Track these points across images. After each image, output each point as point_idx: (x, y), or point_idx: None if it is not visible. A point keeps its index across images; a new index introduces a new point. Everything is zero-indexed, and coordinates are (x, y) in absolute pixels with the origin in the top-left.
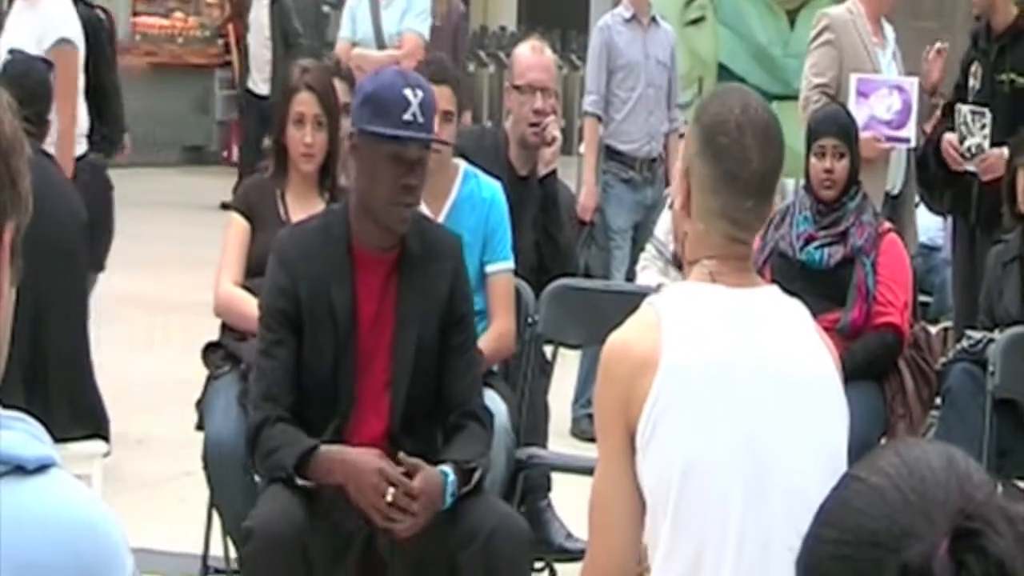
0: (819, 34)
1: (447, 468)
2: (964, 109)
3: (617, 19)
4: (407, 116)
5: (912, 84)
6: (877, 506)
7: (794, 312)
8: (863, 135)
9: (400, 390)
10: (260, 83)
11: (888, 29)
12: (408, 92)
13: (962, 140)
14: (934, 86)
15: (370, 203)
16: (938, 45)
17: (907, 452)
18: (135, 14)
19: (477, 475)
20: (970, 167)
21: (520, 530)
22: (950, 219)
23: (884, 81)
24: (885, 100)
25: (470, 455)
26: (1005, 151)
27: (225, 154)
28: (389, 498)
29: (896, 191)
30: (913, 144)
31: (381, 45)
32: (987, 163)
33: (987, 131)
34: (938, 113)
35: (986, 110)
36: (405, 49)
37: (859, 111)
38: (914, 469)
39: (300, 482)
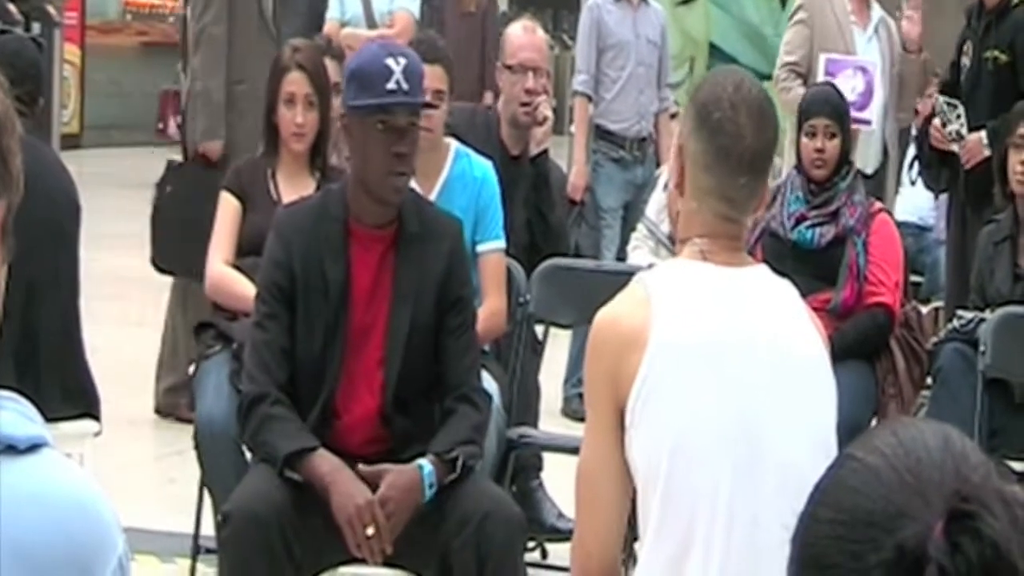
0: (795, 12)
1: (424, 461)
2: (940, 99)
3: None
4: (391, 85)
5: (874, 66)
6: (872, 486)
7: (783, 292)
8: None
9: (392, 367)
10: None
11: (876, 8)
12: (390, 61)
13: (944, 125)
14: (914, 45)
15: (364, 176)
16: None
17: (904, 432)
18: None
19: (460, 463)
20: (955, 148)
21: (513, 514)
22: (943, 198)
23: (850, 61)
24: (850, 81)
25: (451, 444)
26: (983, 135)
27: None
28: (370, 532)
29: (870, 171)
30: (874, 127)
31: (372, 24)
32: (966, 149)
33: (963, 119)
34: (934, 91)
35: (957, 101)
36: (396, 28)
37: None
38: (910, 449)
39: (288, 474)
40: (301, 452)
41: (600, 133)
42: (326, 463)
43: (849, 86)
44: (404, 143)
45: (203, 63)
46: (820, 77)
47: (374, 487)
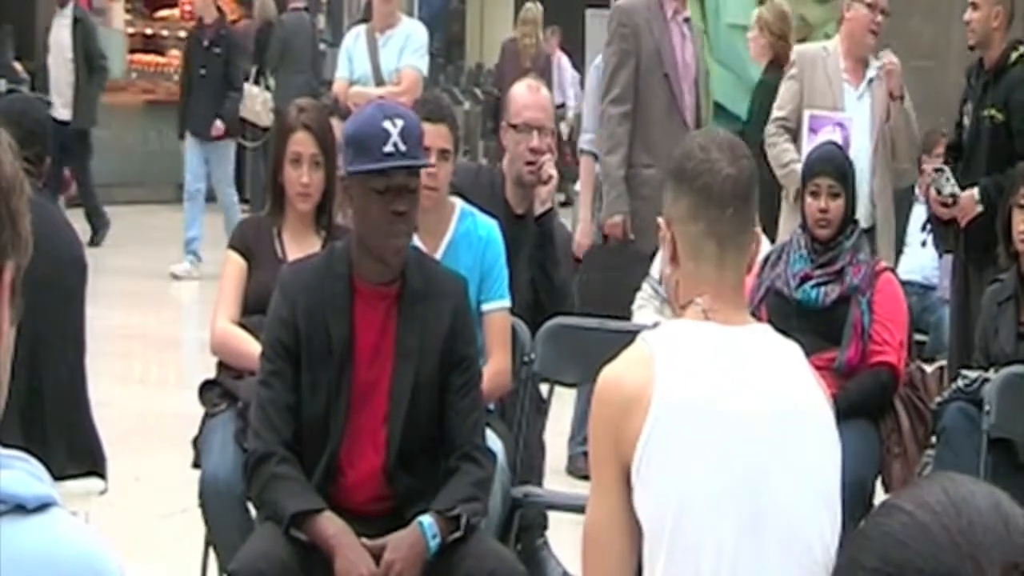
0: (789, 67)
1: (423, 517)
2: (927, 169)
3: None
4: (388, 148)
5: (850, 121)
6: (921, 542)
7: (786, 350)
8: None
9: (396, 425)
10: (60, 108)
11: (872, 67)
12: (387, 124)
13: (939, 193)
14: (893, 92)
15: (366, 238)
16: (885, 59)
17: (954, 490)
18: (131, 51)
19: (463, 520)
20: (955, 212)
21: (517, 573)
22: (947, 257)
23: (830, 117)
24: (830, 136)
25: (452, 502)
26: (975, 192)
27: None
28: None
29: (866, 225)
30: None
31: (380, 83)
32: (960, 208)
33: (952, 180)
34: (936, 153)
35: (944, 167)
36: (403, 85)
37: (809, 147)
38: (962, 510)
39: (294, 533)
40: (308, 512)
41: None
42: (332, 526)
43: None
44: (403, 202)
45: (603, 140)
46: (804, 133)
47: (378, 559)
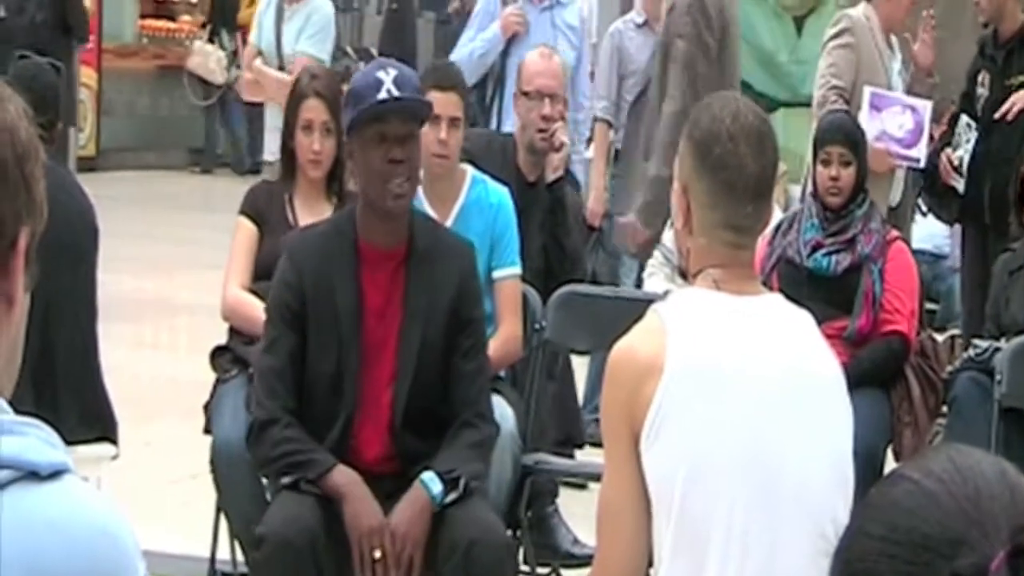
0: (839, 34)
1: (424, 474)
2: (964, 119)
3: (628, 25)
4: (381, 95)
5: (926, 107)
6: (929, 510)
7: (798, 319)
8: (876, 146)
9: (403, 385)
10: None
11: (895, 41)
12: (380, 73)
13: (955, 148)
14: (928, 69)
15: (367, 191)
16: (925, 15)
17: (960, 459)
18: (142, 16)
19: (462, 483)
20: (956, 183)
21: (500, 540)
22: (958, 227)
23: (898, 99)
24: (898, 118)
25: (454, 464)
26: None
27: None
28: (377, 555)
29: (895, 203)
30: (923, 164)
31: (280, 57)
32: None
33: (970, 146)
34: (945, 122)
35: (974, 124)
36: (295, 75)
37: (871, 124)
38: (968, 478)
39: (304, 487)
40: (320, 465)
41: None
42: (343, 476)
43: (896, 123)
44: (401, 150)
45: None
46: (864, 109)
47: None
